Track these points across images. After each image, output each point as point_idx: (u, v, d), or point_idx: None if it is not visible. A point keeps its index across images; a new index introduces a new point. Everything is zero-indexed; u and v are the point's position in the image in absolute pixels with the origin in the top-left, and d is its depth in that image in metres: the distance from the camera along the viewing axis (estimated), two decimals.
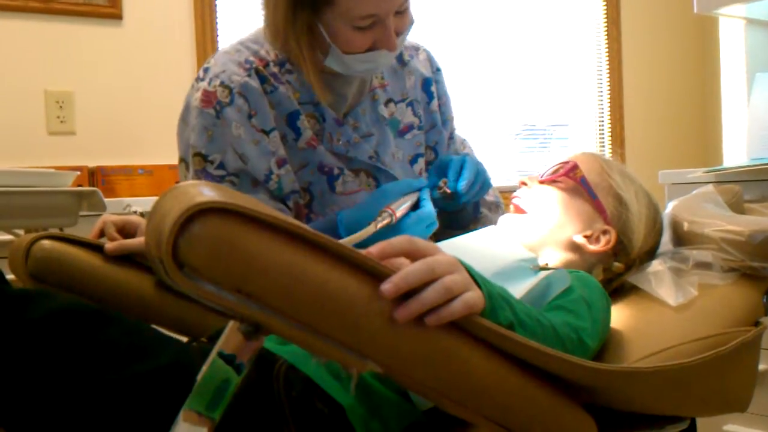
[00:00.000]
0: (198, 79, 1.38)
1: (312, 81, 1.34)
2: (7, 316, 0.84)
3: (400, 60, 1.49)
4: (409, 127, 1.48)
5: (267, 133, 1.33)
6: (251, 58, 1.36)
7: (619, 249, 1.21)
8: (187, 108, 1.38)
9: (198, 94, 1.34)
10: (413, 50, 1.53)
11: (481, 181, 1.35)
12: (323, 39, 1.31)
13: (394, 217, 1.20)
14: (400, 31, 1.33)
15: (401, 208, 1.23)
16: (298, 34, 1.31)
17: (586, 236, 1.21)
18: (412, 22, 1.35)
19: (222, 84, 1.33)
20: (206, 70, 1.37)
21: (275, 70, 1.36)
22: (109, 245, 1.28)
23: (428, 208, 1.26)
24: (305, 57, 1.33)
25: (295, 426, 0.91)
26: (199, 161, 1.32)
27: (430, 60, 1.56)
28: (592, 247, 1.20)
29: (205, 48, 2.72)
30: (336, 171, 1.38)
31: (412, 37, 1.51)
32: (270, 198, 1.33)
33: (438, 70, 1.56)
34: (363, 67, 1.35)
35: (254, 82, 1.33)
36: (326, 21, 1.28)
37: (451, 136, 1.57)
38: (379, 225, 1.18)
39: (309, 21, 1.30)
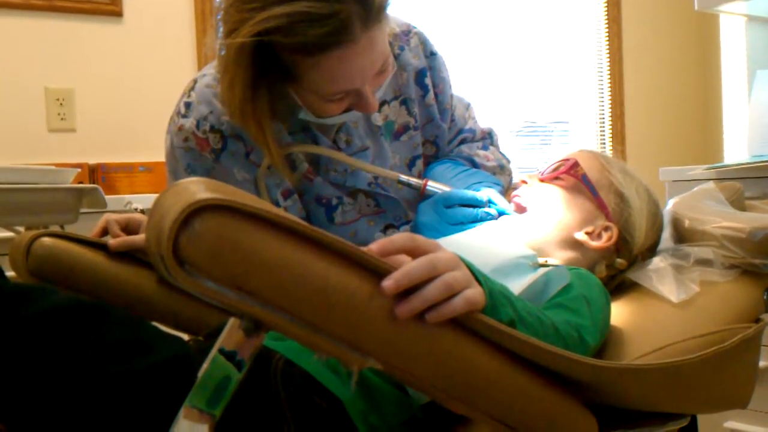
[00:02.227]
0: (179, 114, 1.30)
1: (276, 164, 1.27)
2: (5, 311, 0.83)
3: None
4: (405, 128, 1.42)
5: (268, 167, 1.29)
6: None
7: (622, 245, 1.21)
8: (173, 146, 1.30)
9: (185, 135, 1.28)
10: (403, 37, 1.42)
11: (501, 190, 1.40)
12: (293, 100, 1.23)
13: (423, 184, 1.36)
14: (381, 85, 1.26)
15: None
16: (259, 115, 1.22)
17: (587, 233, 1.21)
18: (394, 68, 1.28)
19: (212, 129, 1.27)
20: (188, 106, 1.29)
21: None
22: (112, 241, 1.27)
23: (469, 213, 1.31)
24: (267, 140, 1.24)
25: (294, 421, 0.91)
26: None
27: (423, 44, 1.45)
28: (594, 244, 1.20)
29: (205, 45, 2.71)
30: (334, 201, 1.35)
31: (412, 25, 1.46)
32: None
33: (432, 53, 1.45)
34: (340, 121, 1.30)
35: None
36: (295, 89, 1.22)
37: (453, 119, 1.50)
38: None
39: (273, 92, 1.21)
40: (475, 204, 1.32)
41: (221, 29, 1.17)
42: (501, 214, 1.31)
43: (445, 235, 1.27)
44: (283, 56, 1.15)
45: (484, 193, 1.33)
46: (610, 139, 3.53)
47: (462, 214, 1.31)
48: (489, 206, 1.32)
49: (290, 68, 1.17)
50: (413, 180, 1.38)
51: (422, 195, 1.38)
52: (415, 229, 1.37)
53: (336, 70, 1.15)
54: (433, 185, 1.37)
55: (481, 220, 1.31)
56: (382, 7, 1.16)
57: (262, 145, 1.25)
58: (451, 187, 1.37)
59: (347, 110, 1.25)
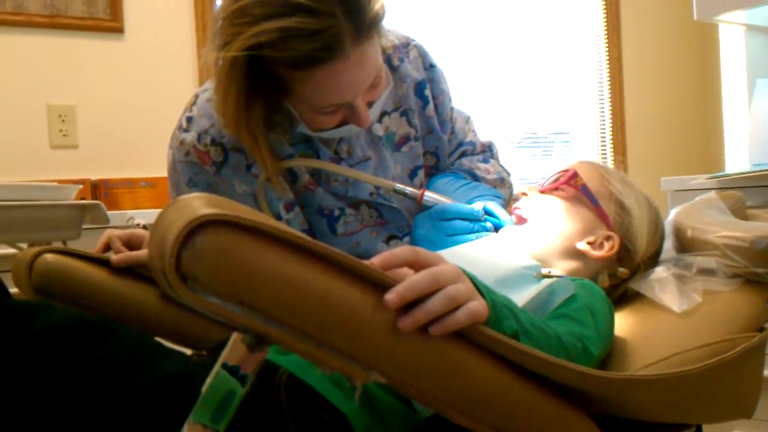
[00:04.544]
0: (181, 129, 1.31)
1: (272, 177, 1.27)
2: (9, 328, 0.83)
3: (390, 65, 1.39)
4: (406, 139, 1.42)
5: (267, 179, 1.29)
6: None
7: (623, 254, 1.21)
8: (175, 161, 1.31)
9: (187, 149, 1.29)
10: (402, 49, 1.42)
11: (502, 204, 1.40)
12: (289, 112, 1.24)
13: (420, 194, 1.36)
14: (375, 99, 1.26)
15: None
16: (253, 127, 1.22)
17: (589, 243, 1.21)
18: (389, 84, 1.29)
19: (213, 142, 1.28)
20: (190, 120, 1.31)
21: None
22: (115, 257, 1.27)
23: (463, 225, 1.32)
24: (262, 153, 1.24)
25: None
26: None
27: (422, 56, 1.45)
28: (596, 253, 1.20)
29: (201, 56, 2.71)
30: (336, 212, 1.35)
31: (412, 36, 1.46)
32: None
33: (431, 66, 1.45)
34: (335, 136, 1.30)
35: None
36: (290, 102, 1.23)
37: (453, 131, 1.50)
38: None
39: (270, 105, 1.22)
40: (472, 218, 1.32)
41: (216, 42, 1.18)
42: (497, 227, 1.31)
43: (442, 247, 1.27)
44: (275, 70, 1.16)
45: (480, 205, 1.33)
46: (611, 150, 3.53)
47: (459, 227, 1.31)
48: (485, 220, 1.32)
49: (282, 81, 1.18)
50: (409, 189, 1.37)
51: (419, 205, 1.38)
52: (413, 242, 1.37)
53: (327, 84, 1.16)
54: (430, 195, 1.37)
55: (477, 232, 1.31)
56: (373, 23, 1.16)
57: (257, 157, 1.26)
58: (449, 198, 1.38)
59: (342, 124, 1.25)
